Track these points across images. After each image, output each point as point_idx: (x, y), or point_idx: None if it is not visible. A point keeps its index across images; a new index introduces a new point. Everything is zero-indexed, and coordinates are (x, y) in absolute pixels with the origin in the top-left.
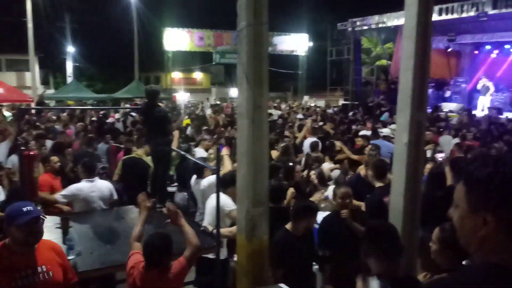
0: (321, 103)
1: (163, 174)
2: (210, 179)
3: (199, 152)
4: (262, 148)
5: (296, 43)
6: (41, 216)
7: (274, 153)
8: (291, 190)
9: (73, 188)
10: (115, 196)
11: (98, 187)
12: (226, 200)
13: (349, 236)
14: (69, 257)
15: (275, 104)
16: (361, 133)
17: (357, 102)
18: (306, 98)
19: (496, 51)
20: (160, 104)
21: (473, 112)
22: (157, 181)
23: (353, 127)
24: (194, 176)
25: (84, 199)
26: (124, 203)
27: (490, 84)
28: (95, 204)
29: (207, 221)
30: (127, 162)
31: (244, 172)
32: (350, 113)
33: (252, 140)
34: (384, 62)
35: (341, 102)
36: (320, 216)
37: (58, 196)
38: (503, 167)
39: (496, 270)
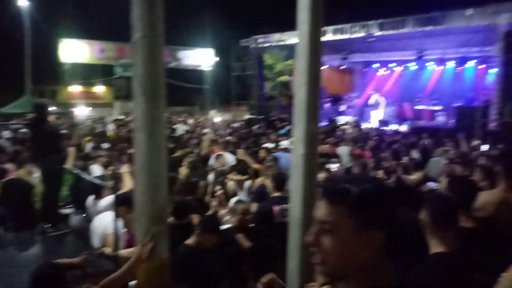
0: (228, 117)
1: (54, 194)
2: (109, 199)
3: (96, 169)
4: (160, 163)
5: (201, 57)
6: None
7: (183, 170)
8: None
9: None
10: None
11: None
12: (112, 222)
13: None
14: None
15: (182, 119)
16: (264, 145)
17: (262, 116)
18: (212, 112)
19: (383, 69)
20: (50, 119)
21: (367, 124)
22: (48, 202)
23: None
24: (92, 196)
25: None
26: (8, 229)
27: (382, 99)
28: None
29: (95, 243)
30: (8, 184)
31: (142, 189)
32: (255, 127)
33: (149, 155)
34: (285, 78)
35: (246, 116)
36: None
37: None
38: (380, 183)
39: None
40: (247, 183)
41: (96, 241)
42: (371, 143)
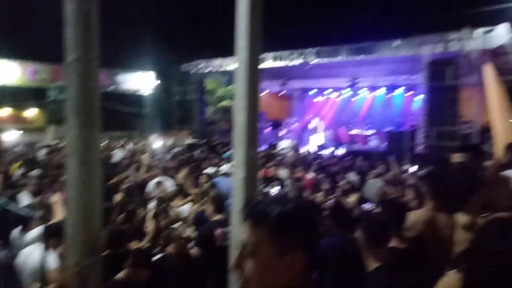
0: (169, 142)
1: None
2: (37, 231)
3: (25, 198)
4: (93, 191)
5: (141, 81)
6: None
7: (118, 197)
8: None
9: None
10: None
11: None
12: (41, 256)
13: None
14: None
15: (120, 144)
16: (206, 170)
17: (203, 141)
18: (153, 137)
19: (320, 95)
20: None
21: (305, 148)
22: None
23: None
24: (18, 228)
25: None
26: None
27: (321, 124)
28: None
29: (23, 280)
30: None
31: (74, 219)
32: (197, 152)
33: (82, 183)
34: (227, 103)
35: (188, 141)
36: None
37: None
38: (302, 204)
39: None
40: (185, 208)
41: (23, 278)
42: (310, 166)
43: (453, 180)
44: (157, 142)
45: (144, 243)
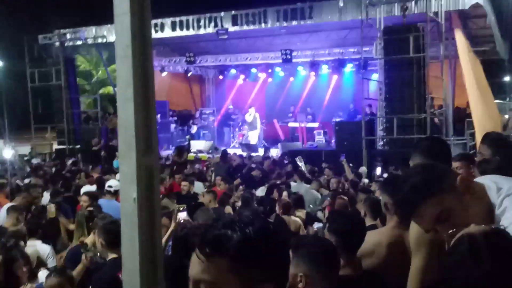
0: (26, 149)
1: None
2: None
3: None
4: None
5: None
6: None
7: None
8: None
9: None
10: None
11: None
12: None
13: None
14: None
15: None
16: (84, 189)
17: (77, 146)
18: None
19: (242, 76)
20: None
21: (229, 150)
22: None
23: (76, 181)
24: None
25: None
26: None
27: (257, 115)
28: None
29: None
30: None
31: None
32: (68, 162)
33: None
34: (110, 89)
35: (55, 147)
36: None
37: None
38: (266, 223)
39: None
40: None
41: None
42: (236, 176)
43: (406, 187)
44: (6, 151)
45: None
